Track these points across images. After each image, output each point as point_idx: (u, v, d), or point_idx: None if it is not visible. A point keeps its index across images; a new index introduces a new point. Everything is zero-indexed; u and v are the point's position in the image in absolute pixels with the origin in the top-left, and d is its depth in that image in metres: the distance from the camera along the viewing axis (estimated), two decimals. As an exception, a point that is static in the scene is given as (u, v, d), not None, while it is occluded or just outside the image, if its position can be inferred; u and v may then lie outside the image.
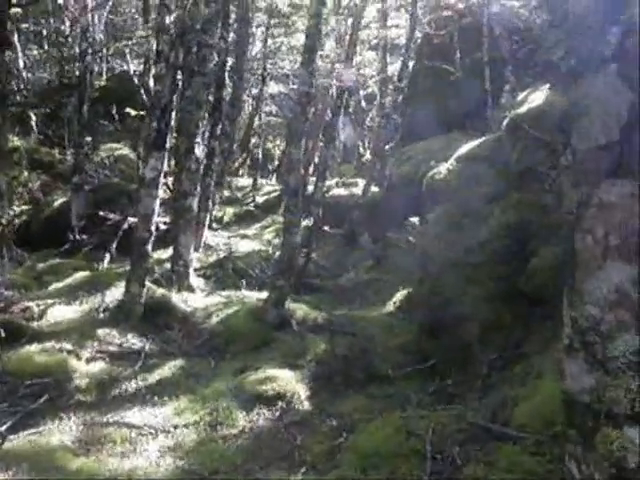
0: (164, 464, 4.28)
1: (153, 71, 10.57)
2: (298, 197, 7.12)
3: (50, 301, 6.91)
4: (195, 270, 8.79)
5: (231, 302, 7.50)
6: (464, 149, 7.49)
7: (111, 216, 9.57)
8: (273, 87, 19.01)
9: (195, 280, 8.51)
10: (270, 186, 17.01)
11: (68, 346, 5.80)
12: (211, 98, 10.55)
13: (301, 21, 14.71)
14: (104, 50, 14.09)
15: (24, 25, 14.14)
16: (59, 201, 11.54)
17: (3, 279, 7.44)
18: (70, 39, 12.23)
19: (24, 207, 11.59)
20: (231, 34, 13.15)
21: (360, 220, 10.46)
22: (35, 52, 15.73)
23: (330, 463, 3.99)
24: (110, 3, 12.71)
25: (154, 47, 9.16)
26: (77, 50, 11.31)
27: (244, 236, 11.50)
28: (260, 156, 19.02)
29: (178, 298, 7.38)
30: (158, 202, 7.18)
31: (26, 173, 11.94)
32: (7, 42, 6.80)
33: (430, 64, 11.63)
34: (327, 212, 10.54)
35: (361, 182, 12.93)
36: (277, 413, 4.96)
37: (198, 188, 8.98)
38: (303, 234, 9.03)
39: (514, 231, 5.58)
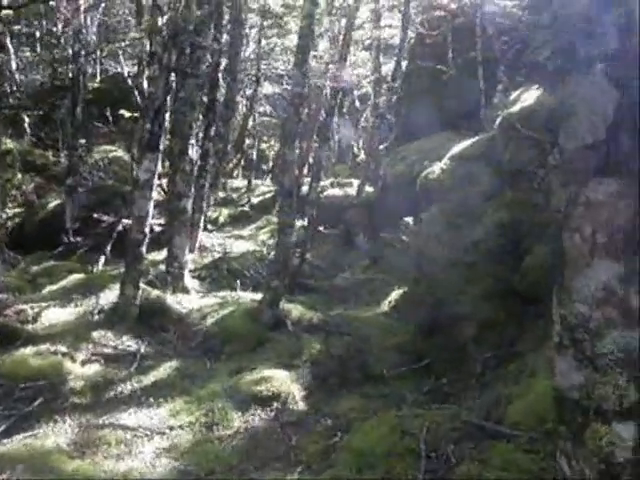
0: (160, 465, 4.28)
1: (147, 73, 10.55)
2: (292, 198, 7.13)
3: (44, 304, 6.90)
4: (190, 271, 8.78)
5: (226, 303, 7.50)
6: (458, 149, 7.52)
7: (105, 218, 9.55)
8: (267, 88, 19.02)
9: (190, 281, 8.51)
10: (265, 187, 16.99)
11: (63, 349, 5.79)
12: (205, 99, 10.55)
13: (294, 22, 14.72)
14: (97, 52, 14.06)
15: (16, 27, 14.11)
16: (53, 203, 11.51)
17: (-3, 282, 7.42)
18: (63, 41, 12.19)
19: (17, 209, 11.56)
20: (224, 35, 13.15)
21: (355, 220, 10.48)
22: (28, 54, 15.68)
23: (325, 463, 4.01)
24: (103, 5, 12.70)
25: (147, 49, 9.15)
26: (70, 52, 11.28)
27: (239, 237, 11.50)
28: (254, 157, 19.02)
29: (173, 299, 7.38)
30: (152, 204, 7.18)
31: (19, 175, 11.91)
32: (-1, 44, 6.78)
33: (423, 64, 11.65)
34: (322, 212, 10.54)
35: (355, 182, 12.96)
36: (272, 413, 4.97)
37: (192, 189, 8.98)
38: (298, 234, 9.05)
39: (508, 230, 5.61)
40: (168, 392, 5.35)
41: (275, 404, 5.09)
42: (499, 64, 9.45)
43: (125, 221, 9.12)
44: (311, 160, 12.89)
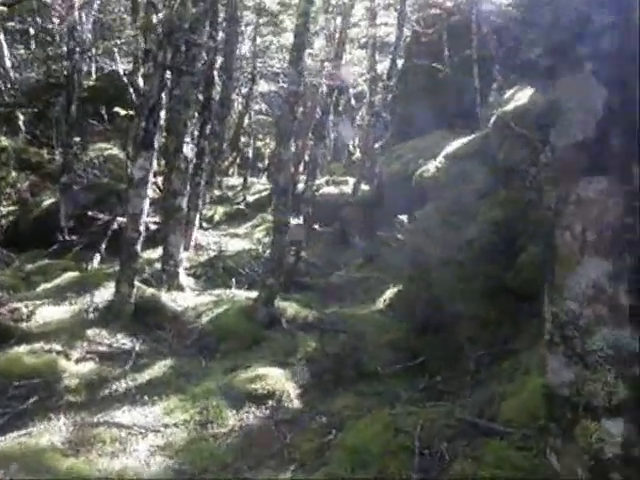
0: (154, 463, 4.28)
1: (142, 70, 10.52)
2: (288, 196, 7.13)
3: (39, 302, 6.88)
4: (185, 269, 8.78)
5: (221, 301, 7.49)
6: (453, 147, 7.54)
7: (100, 216, 9.53)
8: (263, 86, 19.00)
9: (185, 279, 8.50)
10: (260, 185, 16.98)
11: (57, 347, 5.78)
12: (201, 97, 10.53)
13: (290, 20, 14.71)
14: (93, 49, 14.01)
15: (10, 24, 14.04)
16: (48, 201, 11.47)
17: (-9, 280, 7.40)
18: (58, 38, 12.15)
19: (12, 207, 11.52)
20: (220, 33, 13.12)
21: (350, 218, 10.49)
22: (22, 51, 15.61)
23: (319, 460, 4.01)
24: (98, 2, 12.65)
25: (142, 46, 9.13)
26: (64, 49, 11.24)
27: (234, 235, 11.49)
28: (250, 155, 19.00)
29: (168, 297, 7.37)
30: (147, 202, 7.17)
31: (14, 173, 11.86)
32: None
33: (419, 62, 11.65)
34: (317, 210, 10.55)
35: (351, 180, 12.96)
36: (267, 411, 4.97)
37: (188, 187, 8.97)
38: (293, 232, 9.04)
39: (502, 228, 5.63)
40: (163, 390, 5.35)
41: (270, 402, 5.09)
42: (494, 62, 9.46)
43: (120, 219, 9.10)
44: (307, 158, 12.90)
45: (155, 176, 9.06)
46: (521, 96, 6.05)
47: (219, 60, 12.71)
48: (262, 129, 20.43)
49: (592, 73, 1.66)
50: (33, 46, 15.53)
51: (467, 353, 5.50)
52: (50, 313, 6.62)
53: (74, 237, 10.11)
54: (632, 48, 1.59)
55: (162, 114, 8.97)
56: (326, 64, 11.30)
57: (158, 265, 8.51)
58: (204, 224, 11.90)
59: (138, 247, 6.92)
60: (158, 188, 10.22)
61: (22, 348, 5.60)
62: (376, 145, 12.84)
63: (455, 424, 3.94)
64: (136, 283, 7.06)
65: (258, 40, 17.17)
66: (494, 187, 5.86)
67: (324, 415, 4.85)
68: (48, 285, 7.64)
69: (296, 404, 5.16)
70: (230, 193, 15.81)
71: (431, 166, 7.01)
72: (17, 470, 3.90)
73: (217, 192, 14.96)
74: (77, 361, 5.68)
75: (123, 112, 10.56)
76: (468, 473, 3.31)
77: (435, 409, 4.29)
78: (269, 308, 6.72)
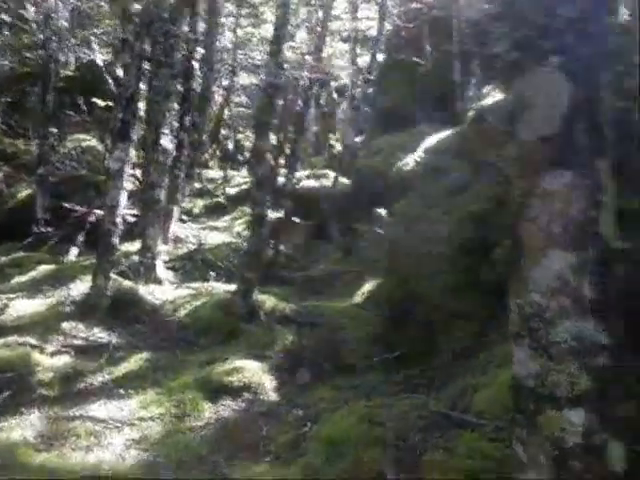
0: (129, 457, 4.27)
1: (120, 61, 10.37)
2: (267, 189, 7.12)
3: (13, 295, 6.80)
4: (164, 262, 8.72)
5: (199, 294, 7.47)
6: (432, 141, 7.58)
7: (77, 208, 9.40)
8: (244, 78, 18.86)
9: (164, 272, 8.45)
10: (241, 178, 16.86)
11: (32, 340, 5.73)
12: (181, 88, 10.43)
13: (271, 11, 14.62)
14: (70, 38, 13.76)
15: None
16: (23, 193, 11.29)
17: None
18: (33, 25, 11.90)
19: (-14, 199, 11.31)
20: (200, 24, 12.99)
21: (330, 212, 10.49)
22: (-5, 39, 15.27)
23: (295, 452, 4.03)
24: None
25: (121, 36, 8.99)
26: (40, 37, 11.03)
27: (214, 228, 11.41)
28: (231, 147, 18.87)
29: (145, 290, 7.32)
30: (125, 194, 7.10)
31: (-12, 164, 11.66)
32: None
33: (400, 56, 11.67)
34: (297, 204, 10.52)
35: (332, 174, 12.94)
36: (243, 404, 4.98)
37: (166, 180, 8.90)
38: (272, 226, 9.03)
39: (478, 222, 5.67)
40: (139, 383, 5.33)
41: (246, 395, 5.10)
42: (473, 57, 9.52)
43: (98, 212, 8.99)
44: (287, 151, 12.85)
45: (134, 168, 8.97)
46: (499, 91, 6.11)
47: (200, 52, 12.57)
48: (242, 121, 20.29)
49: (557, 68, 1.68)
50: (7, 33, 15.19)
51: (443, 346, 5.55)
52: (24, 306, 6.54)
53: (50, 229, 9.96)
54: (597, 43, 1.61)
55: (141, 105, 8.89)
56: (307, 57, 11.25)
57: (136, 258, 8.44)
58: (184, 217, 11.80)
59: (115, 239, 6.86)
60: (138, 180, 10.10)
61: (-5, 342, 5.52)
62: (357, 139, 12.84)
63: (429, 416, 3.98)
64: (113, 276, 7.00)
65: (240, 32, 17.02)
66: (471, 181, 5.90)
67: (300, 408, 4.87)
68: (23, 278, 7.55)
69: (273, 397, 5.17)
70: (210, 186, 15.67)
71: (410, 160, 7.04)
72: (-13, 465, 3.86)
73: (197, 185, 14.82)
74: (52, 355, 5.63)
75: (103, 103, 10.42)
76: (439, 462, 3.35)
77: (410, 401, 4.32)
78: (247, 301, 6.70)
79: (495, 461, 3.29)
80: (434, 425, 3.82)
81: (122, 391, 5.19)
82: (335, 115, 18.87)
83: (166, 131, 8.85)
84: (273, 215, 9.50)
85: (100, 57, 14.48)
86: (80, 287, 6.98)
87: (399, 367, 5.60)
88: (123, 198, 7.00)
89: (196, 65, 11.55)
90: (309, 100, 11.76)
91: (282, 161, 13.01)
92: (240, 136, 19.71)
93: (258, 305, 6.77)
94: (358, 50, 15.48)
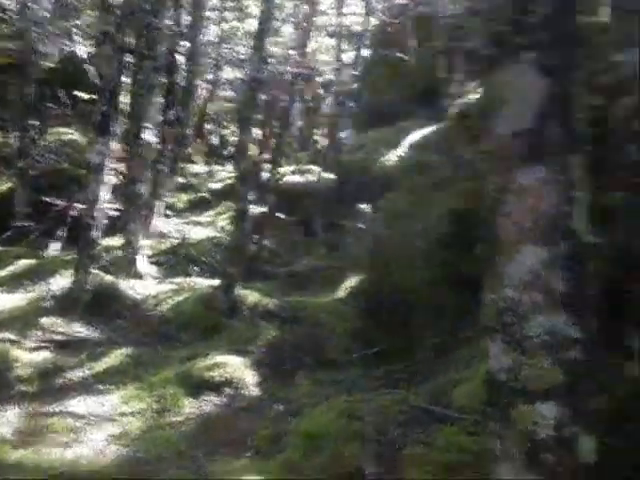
0: (109, 452, 4.24)
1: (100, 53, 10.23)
2: (250, 183, 7.09)
3: (-9, 290, 6.71)
4: (147, 257, 8.65)
5: (182, 289, 7.42)
6: (415, 137, 7.60)
7: (58, 202, 9.27)
8: (229, 72, 18.74)
9: (146, 267, 8.39)
10: (225, 173, 16.77)
11: (10, 335, 5.66)
12: (165, 82, 10.34)
13: (255, 5, 14.54)
14: (50, 29, 13.54)
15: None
16: (3, 186, 11.11)
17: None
18: (11, 15, 11.69)
19: (-35, 192, 11.12)
20: (184, 17, 12.89)
21: (314, 207, 10.47)
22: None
23: (275, 447, 4.04)
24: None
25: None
26: (19, 27, 10.84)
27: (197, 223, 11.35)
28: (215, 142, 18.76)
29: (127, 285, 7.26)
30: (106, 188, 7.04)
31: (-34, 157, 11.45)
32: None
33: (385, 52, 11.67)
34: (282, 199, 10.50)
35: (316, 169, 12.92)
36: (225, 399, 4.97)
37: (149, 174, 8.82)
38: (256, 221, 9.01)
39: (460, 217, 5.70)
40: (120, 379, 5.30)
41: (228, 390, 5.09)
42: (457, 53, 9.54)
43: (79, 206, 8.89)
44: (272, 146, 12.80)
45: (117, 162, 8.86)
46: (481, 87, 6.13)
47: (184, 45, 12.48)
48: (226, 116, 20.17)
49: (531, 63, 1.69)
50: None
51: (425, 341, 5.58)
52: (3, 301, 6.46)
53: (30, 223, 9.82)
54: (569, 39, 1.62)
55: (124, 99, 8.79)
56: (292, 52, 11.22)
57: (118, 253, 8.37)
58: (167, 212, 11.71)
59: (96, 234, 6.80)
60: (121, 174, 10.00)
61: (-28, 337, 5.45)
62: (341, 134, 12.84)
63: (409, 411, 4.00)
64: (94, 271, 6.94)
65: (225, 26, 16.91)
66: (453, 177, 5.93)
67: (282, 403, 4.87)
68: (2, 272, 7.45)
69: (254, 392, 5.16)
70: (194, 181, 15.57)
71: (393, 156, 7.05)
72: (-38, 463, 3.81)
73: (181, 179, 14.72)
74: (31, 350, 5.57)
75: (85, 96, 10.28)
76: (418, 456, 3.37)
77: (390, 396, 4.34)
78: (229, 296, 6.68)
79: (472, 454, 3.32)
80: (414, 420, 3.85)
81: (102, 387, 5.15)
82: (320, 110, 18.84)
83: (149, 125, 8.77)
84: (257, 210, 9.46)
85: (82, 49, 14.28)
86: (60, 282, 6.90)
87: (380, 362, 5.62)
88: (104, 192, 6.93)
89: (180, 58, 11.46)
90: (294, 95, 11.72)
91: (267, 156, 12.96)
92: (226, 131, 19.60)
93: (240, 300, 6.75)
94: (344, 46, 15.44)
